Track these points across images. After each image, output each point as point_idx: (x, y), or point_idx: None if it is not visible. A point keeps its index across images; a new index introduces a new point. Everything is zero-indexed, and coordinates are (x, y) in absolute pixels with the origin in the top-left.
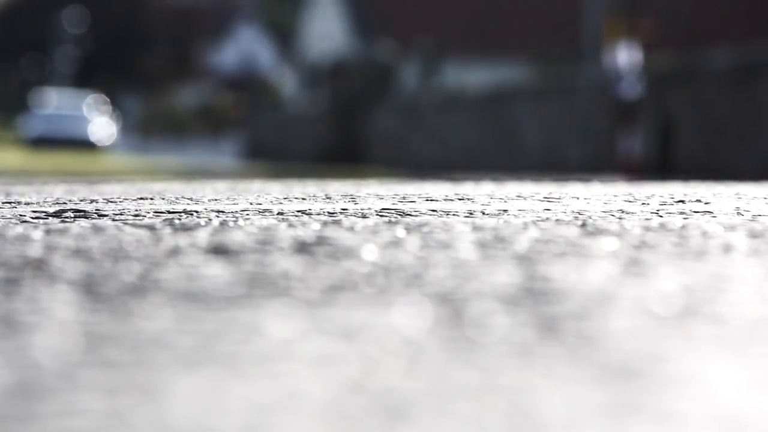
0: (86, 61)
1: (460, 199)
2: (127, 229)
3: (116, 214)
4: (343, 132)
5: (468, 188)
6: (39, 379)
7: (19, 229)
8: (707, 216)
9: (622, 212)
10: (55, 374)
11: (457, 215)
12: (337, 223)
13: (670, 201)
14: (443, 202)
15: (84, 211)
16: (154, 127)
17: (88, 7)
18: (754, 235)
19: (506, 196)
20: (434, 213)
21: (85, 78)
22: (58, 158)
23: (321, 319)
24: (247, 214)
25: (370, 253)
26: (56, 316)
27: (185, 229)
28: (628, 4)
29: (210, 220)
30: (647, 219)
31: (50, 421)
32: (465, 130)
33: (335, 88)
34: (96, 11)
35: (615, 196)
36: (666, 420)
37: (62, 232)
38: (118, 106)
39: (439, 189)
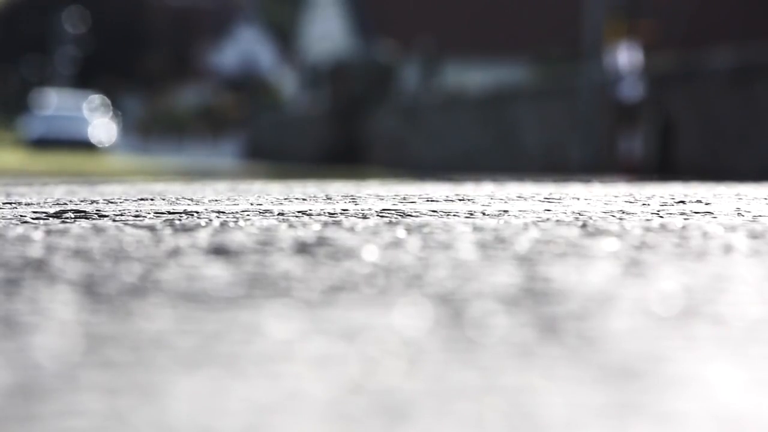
0: (86, 61)
1: (460, 200)
2: (128, 229)
3: (117, 215)
4: (344, 132)
5: (468, 189)
6: (39, 380)
7: (20, 229)
8: (708, 217)
9: (623, 213)
10: (56, 375)
11: (458, 216)
12: (338, 223)
13: (670, 202)
14: (444, 202)
15: (84, 211)
16: (154, 127)
17: (88, 8)
18: (754, 235)
19: (507, 197)
20: (435, 214)
21: (85, 79)
22: (59, 159)
23: (321, 320)
24: (248, 215)
25: (371, 253)
26: (56, 316)
27: (186, 229)
28: (629, 4)
29: (210, 220)
30: (648, 220)
31: (50, 422)
32: (465, 130)
33: (335, 88)
34: (96, 11)
35: (615, 196)
36: (666, 420)
37: (63, 232)
38: (118, 106)
39: (439, 189)
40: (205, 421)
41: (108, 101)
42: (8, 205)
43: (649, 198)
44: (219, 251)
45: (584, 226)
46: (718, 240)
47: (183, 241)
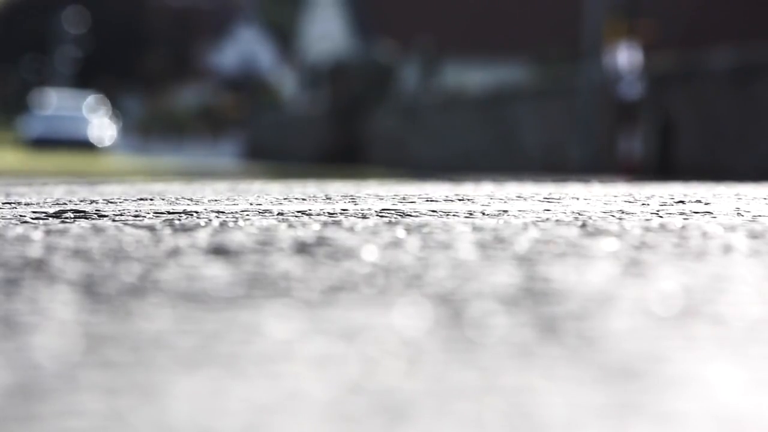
0: (86, 61)
1: (460, 200)
2: (127, 229)
3: (116, 215)
4: (343, 132)
5: (468, 189)
6: (39, 380)
7: (19, 229)
8: (707, 217)
9: (622, 213)
10: (55, 375)
11: (457, 216)
12: (337, 223)
13: (670, 201)
14: (443, 202)
15: (84, 211)
16: (153, 127)
17: (88, 8)
18: (754, 235)
19: (506, 197)
20: (434, 213)
21: (85, 78)
22: (58, 159)
23: (321, 320)
24: (247, 215)
25: (370, 253)
26: (56, 316)
27: (185, 229)
28: (629, 4)
29: (210, 220)
30: (647, 219)
31: (50, 422)
32: (465, 130)
33: (335, 88)
34: (96, 11)
35: (615, 196)
36: (666, 420)
37: (62, 232)
38: (117, 106)
39: (439, 189)
40: (205, 421)
41: (108, 101)
42: (8, 205)
43: (648, 198)
44: (219, 251)
45: (584, 226)
46: (718, 240)
47: (182, 241)
